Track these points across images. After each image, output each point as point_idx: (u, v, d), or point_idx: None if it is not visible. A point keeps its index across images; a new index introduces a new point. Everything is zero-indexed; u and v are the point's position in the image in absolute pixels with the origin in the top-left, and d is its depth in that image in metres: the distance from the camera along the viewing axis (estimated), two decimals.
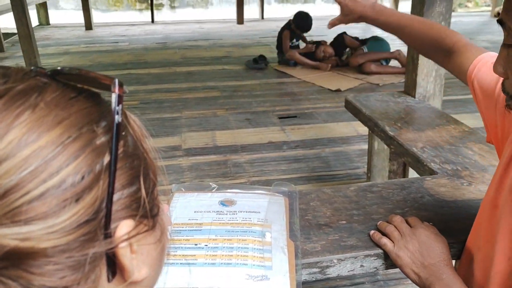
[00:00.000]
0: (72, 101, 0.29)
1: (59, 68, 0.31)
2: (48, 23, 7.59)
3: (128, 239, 0.30)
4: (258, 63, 4.48)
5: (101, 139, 0.29)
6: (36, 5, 7.24)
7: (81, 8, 7.21)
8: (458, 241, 0.88)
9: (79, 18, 7.43)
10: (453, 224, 0.94)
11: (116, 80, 0.30)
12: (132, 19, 8.81)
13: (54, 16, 8.06)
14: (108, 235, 0.29)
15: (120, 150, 0.30)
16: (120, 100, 0.30)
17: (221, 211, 0.93)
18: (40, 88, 0.29)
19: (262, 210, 0.93)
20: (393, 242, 0.84)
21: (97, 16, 8.04)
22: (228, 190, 1.03)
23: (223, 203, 0.96)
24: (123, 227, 0.30)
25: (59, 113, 0.28)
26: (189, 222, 0.89)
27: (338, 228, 0.93)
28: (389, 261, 0.87)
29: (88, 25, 7.08)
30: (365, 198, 1.06)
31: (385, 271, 1.58)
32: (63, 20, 8.11)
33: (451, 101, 3.35)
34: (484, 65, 0.83)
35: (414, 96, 1.86)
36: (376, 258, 0.88)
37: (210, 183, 1.06)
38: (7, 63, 4.82)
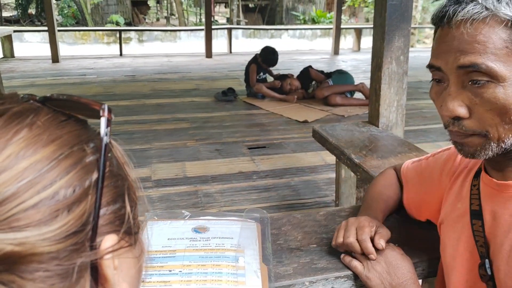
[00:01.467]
0: (63, 123, 0.32)
1: (48, 95, 0.34)
2: (13, 56, 7.47)
3: (112, 252, 0.32)
4: (227, 95, 4.55)
5: (90, 158, 0.32)
6: (0, 37, 7.14)
7: (47, 41, 7.16)
8: (422, 259, 0.93)
9: (45, 50, 7.36)
10: (418, 243, 0.98)
11: (106, 106, 0.33)
12: (100, 52, 8.80)
13: (19, 49, 7.95)
14: (94, 247, 0.31)
15: (107, 169, 0.33)
16: (108, 123, 0.33)
17: (194, 238, 0.94)
18: (35, 110, 0.32)
19: (235, 236, 0.95)
20: (362, 264, 0.87)
21: (63, 49, 7.98)
22: (201, 217, 1.04)
23: (196, 230, 0.97)
24: (108, 240, 0.32)
25: (53, 132, 0.31)
26: (162, 249, 0.90)
27: (309, 251, 0.96)
28: (359, 282, 0.90)
29: (55, 57, 7.01)
30: (334, 221, 1.09)
31: None
32: (28, 52, 8.01)
33: (413, 131, 3.51)
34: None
35: (377, 126, 1.95)
36: (346, 279, 0.90)
37: (183, 211, 1.07)
38: None
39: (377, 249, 0.85)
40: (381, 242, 0.83)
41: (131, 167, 0.38)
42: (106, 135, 0.33)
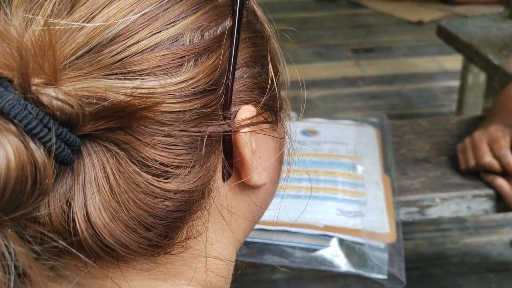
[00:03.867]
0: None
1: None
2: None
3: (250, 125, 0.27)
4: None
5: None
6: None
7: None
8: None
9: None
10: None
11: None
12: None
13: None
14: (227, 117, 0.26)
15: (244, 18, 0.27)
16: None
17: (303, 141, 0.84)
18: None
19: (351, 141, 0.82)
20: (510, 184, 0.71)
21: None
22: (310, 119, 0.92)
23: (305, 133, 0.86)
24: (245, 111, 0.26)
25: None
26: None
27: (439, 164, 0.81)
28: (502, 204, 0.74)
29: None
30: (468, 131, 0.91)
31: (475, 217, 1.43)
32: None
33: None
34: None
35: None
36: (486, 199, 0.75)
37: (290, 112, 0.96)
38: None
39: None
40: None
41: (271, 29, 0.31)
42: None
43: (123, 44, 0.22)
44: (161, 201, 0.24)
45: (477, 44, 1.42)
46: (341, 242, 0.62)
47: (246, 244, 0.65)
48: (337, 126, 0.88)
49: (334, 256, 0.60)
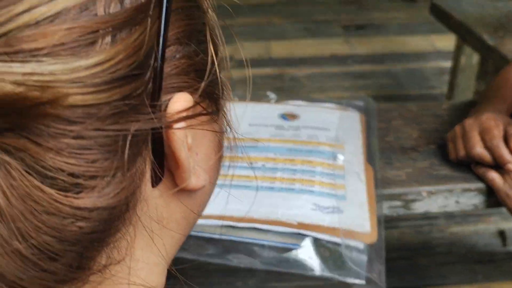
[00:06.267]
0: None
1: None
2: None
3: (185, 119, 0.21)
4: None
5: None
6: None
7: None
8: None
9: None
10: None
11: None
12: None
13: None
14: (157, 109, 0.20)
15: None
16: None
17: (281, 126, 0.76)
18: None
19: (332, 127, 0.75)
20: (503, 177, 0.65)
21: None
22: (290, 102, 0.85)
23: (284, 116, 0.79)
24: (179, 101, 0.21)
25: None
26: (242, 136, 0.74)
27: (428, 154, 0.75)
28: (494, 198, 0.68)
29: None
30: (459, 118, 0.84)
31: None
32: None
33: None
34: None
35: None
36: (477, 193, 0.69)
37: (268, 93, 0.88)
38: None
39: None
40: None
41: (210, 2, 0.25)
42: None
43: (8, 12, 0.16)
44: (72, 222, 0.18)
45: (471, 23, 1.35)
46: (316, 241, 0.55)
47: (210, 242, 0.58)
48: (319, 110, 0.81)
49: (308, 257, 0.54)
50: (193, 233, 0.56)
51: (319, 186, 0.63)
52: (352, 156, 0.69)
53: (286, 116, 0.79)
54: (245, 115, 0.80)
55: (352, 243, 0.55)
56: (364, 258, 0.54)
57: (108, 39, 0.17)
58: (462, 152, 0.67)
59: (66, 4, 0.17)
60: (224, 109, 0.26)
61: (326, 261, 0.54)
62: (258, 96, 0.87)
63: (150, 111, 0.19)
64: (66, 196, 0.18)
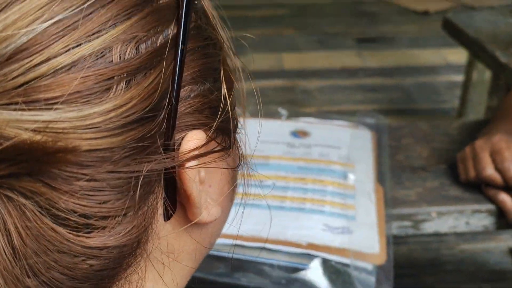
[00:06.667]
0: None
1: None
2: None
3: (198, 157, 0.21)
4: None
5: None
6: None
7: None
8: None
9: None
10: None
11: None
12: None
13: None
14: (170, 148, 0.20)
15: (192, 23, 0.21)
16: None
17: (292, 144, 0.77)
18: None
19: (343, 145, 0.76)
20: None
21: None
22: (301, 119, 0.86)
23: (295, 134, 0.80)
24: (192, 139, 0.21)
25: None
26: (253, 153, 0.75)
27: (438, 173, 0.75)
28: (504, 220, 0.68)
29: None
30: (470, 137, 0.84)
31: None
32: None
33: None
34: None
35: None
36: (487, 215, 0.69)
37: (279, 109, 0.89)
38: None
39: None
40: None
41: (225, 31, 0.26)
42: None
43: (28, 62, 0.16)
44: (83, 260, 0.19)
45: (483, 39, 1.34)
46: (325, 262, 0.56)
47: (220, 261, 0.59)
48: (330, 127, 0.82)
49: (317, 278, 0.55)
50: None
51: (329, 206, 0.63)
52: (363, 175, 0.69)
53: (297, 134, 0.80)
54: (254, 132, 0.81)
55: (361, 264, 0.56)
56: (372, 279, 0.54)
57: (122, 84, 0.18)
58: (472, 174, 0.68)
59: (83, 53, 0.17)
60: (237, 141, 0.27)
61: (334, 282, 0.54)
62: (269, 113, 0.88)
63: (162, 151, 0.20)
64: (77, 236, 0.18)
